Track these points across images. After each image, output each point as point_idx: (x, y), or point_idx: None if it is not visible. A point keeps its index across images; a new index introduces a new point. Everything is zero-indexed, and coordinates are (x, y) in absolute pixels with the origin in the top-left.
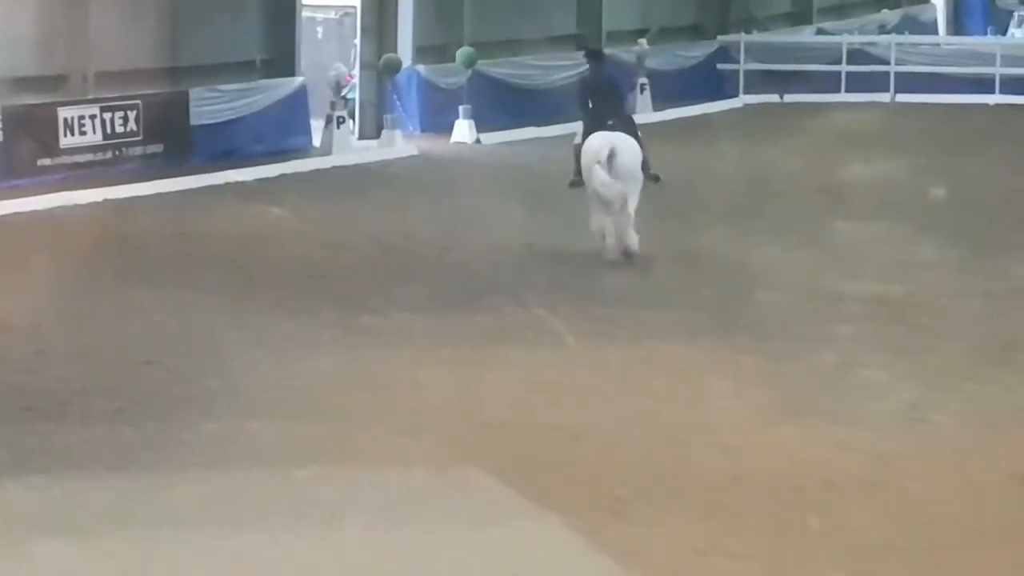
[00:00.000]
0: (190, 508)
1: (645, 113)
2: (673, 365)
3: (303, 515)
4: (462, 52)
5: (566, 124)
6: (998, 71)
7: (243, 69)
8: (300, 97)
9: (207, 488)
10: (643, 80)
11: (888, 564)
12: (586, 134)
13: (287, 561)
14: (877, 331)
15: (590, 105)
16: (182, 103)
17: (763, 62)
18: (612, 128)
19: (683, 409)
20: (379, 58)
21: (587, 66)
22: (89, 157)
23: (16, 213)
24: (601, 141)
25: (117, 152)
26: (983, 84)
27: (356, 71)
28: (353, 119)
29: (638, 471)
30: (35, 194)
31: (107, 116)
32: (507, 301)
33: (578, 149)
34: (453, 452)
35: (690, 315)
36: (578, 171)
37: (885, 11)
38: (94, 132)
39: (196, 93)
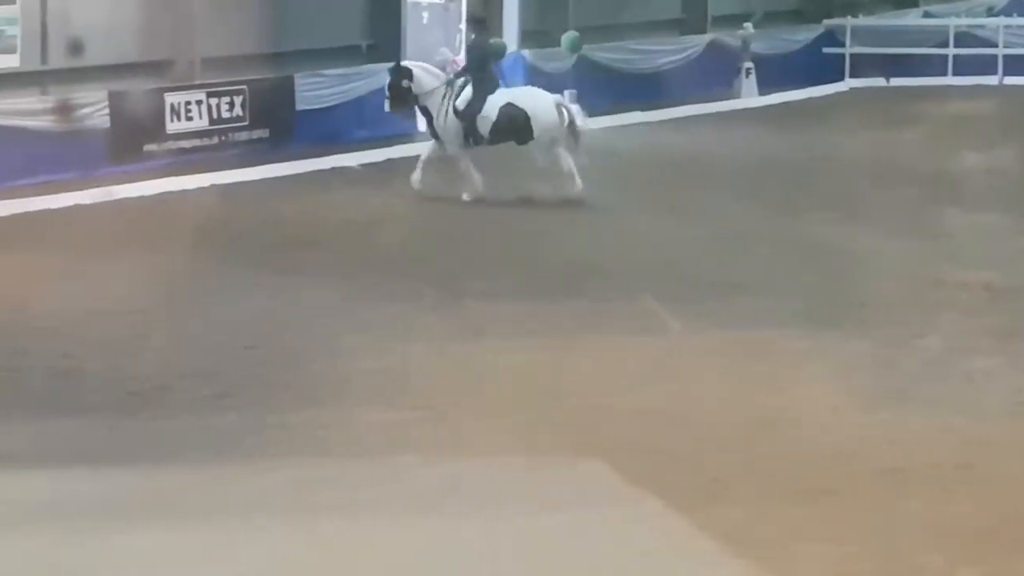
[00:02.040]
0: (291, 493)
1: (751, 97)
2: (773, 349)
3: (403, 501)
4: (567, 37)
5: (671, 108)
6: None
7: (348, 54)
8: None
9: (308, 473)
10: (748, 64)
11: (988, 549)
12: (482, 95)
13: (387, 547)
14: (982, 318)
15: (488, 68)
16: (287, 88)
17: (869, 45)
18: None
19: (783, 393)
20: None
21: (474, 34)
22: (195, 142)
23: (122, 198)
24: (544, 94)
25: (223, 137)
26: None
27: (462, 56)
28: None
29: (737, 454)
30: (141, 179)
31: (213, 101)
32: (608, 286)
33: (473, 110)
34: (553, 437)
35: (792, 300)
36: (470, 132)
37: None
38: (200, 117)
39: (301, 78)
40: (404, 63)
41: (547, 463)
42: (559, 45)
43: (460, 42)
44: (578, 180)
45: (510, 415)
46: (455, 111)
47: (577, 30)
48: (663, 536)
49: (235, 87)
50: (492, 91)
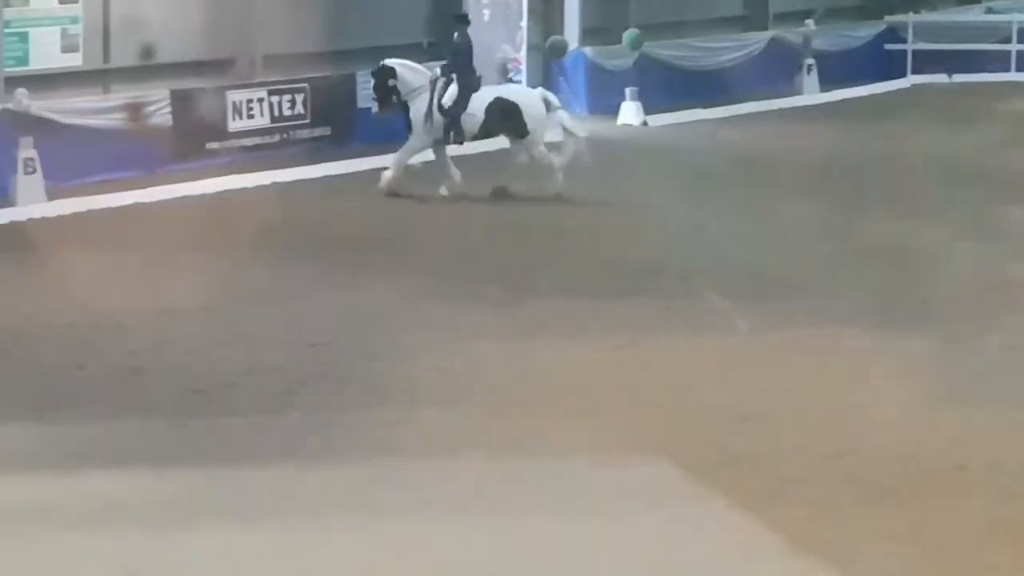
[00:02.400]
0: (355, 492)
1: (812, 94)
2: (837, 348)
3: (468, 499)
4: (628, 34)
5: (733, 105)
6: None
7: (409, 52)
8: None
9: (372, 472)
10: (810, 61)
11: None
12: (467, 93)
13: (450, 546)
14: None
15: (472, 65)
16: (349, 86)
17: (931, 41)
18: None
19: (847, 391)
20: (546, 40)
21: (458, 32)
22: (257, 140)
23: (185, 196)
24: (529, 89)
25: (285, 135)
26: None
27: (523, 53)
28: None
29: (802, 453)
30: (203, 177)
31: (275, 99)
32: (675, 284)
33: (459, 107)
34: (619, 435)
35: (856, 298)
36: (453, 128)
37: None
38: (262, 115)
39: (363, 76)
40: (387, 62)
41: (612, 462)
42: (620, 42)
43: (521, 40)
44: (560, 177)
45: (575, 414)
46: (440, 109)
47: (638, 27)
48: (729, 535)
49: (296, 85)
50: (476, 89)
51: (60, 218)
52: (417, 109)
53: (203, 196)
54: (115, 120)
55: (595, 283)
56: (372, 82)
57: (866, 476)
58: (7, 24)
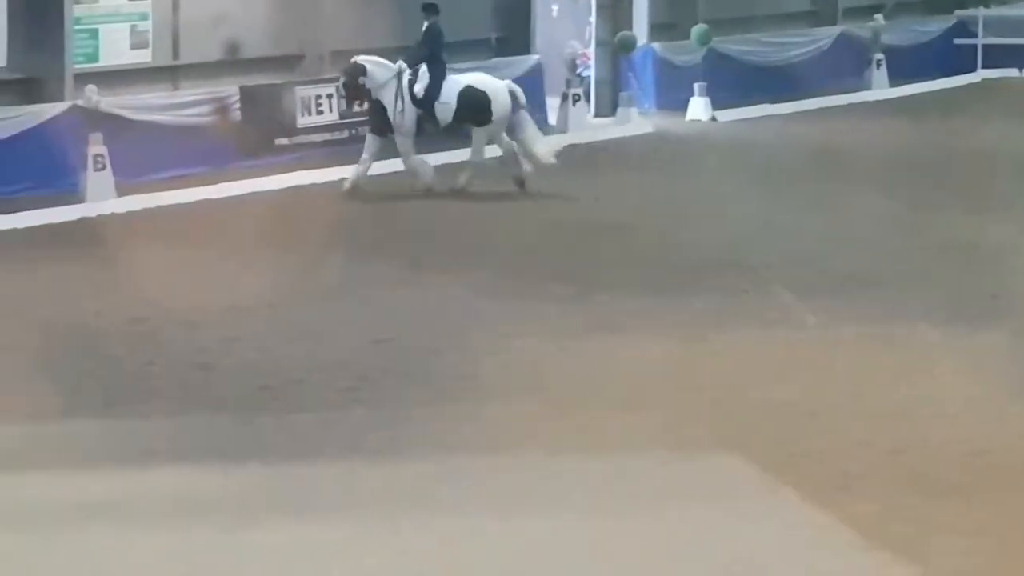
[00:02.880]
0: (420, 487)
1: (881, 89)
2: (906, 342)
3: (532, 494)
4: (697, 29)
5: (802, 101)
6: None
7: (477, 47)
8: (535, 75)
9: (437, 468)
10: (879, 56)
11: None
12: (438, 82)
13: (515, 541)
14: None
15: (441, 54)
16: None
17: (1001, 36)
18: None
19: (916, 386)
20: (614, 36)
21: (430, 22)
22: (325, 136)
23: (252, 192)
24: (495, 79)
25: (353, 131)
26: None
27: (591, 49)
28: (588, 97)
29: (871, 448)
30: (271, 173)
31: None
32: (743, 279)
33: (432, 96)
34: (685, 431)
35: (926, 293)
36: (427, 119)
37: None
38: (330, 111)
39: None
40: (356, 59)
41: (678, 457)
42: (689, 38)
43: (590, 35)
44: (526, 165)
45: (641, 409)
46: (414, 99)
47: (707, 23)
48: (801, 529)
49: None
50: (444, 77)
51: (129, 214)
52: (388, 103)
53: (271, 192)
54: (184, 116)
55: (662, 279)
56: (342, 80)
57: (934, 471)
58: (77, 21)
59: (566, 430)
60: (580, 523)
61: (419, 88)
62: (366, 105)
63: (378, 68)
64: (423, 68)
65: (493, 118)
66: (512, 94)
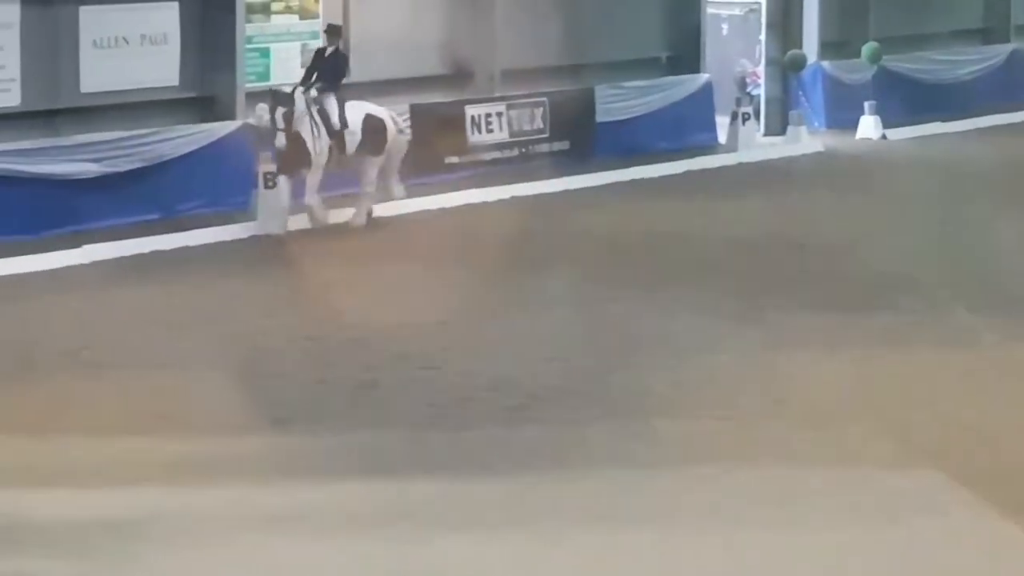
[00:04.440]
0: (591, 503)
1: None
2: None
3: (705, 511)
4: (867, 47)
5: (974, 119)
6: None
7: (648, 66)
8: (705, 94)
9: (608, 484)
10: None
11: None
12: (343, 109)
13: (690, 556)
14: None
15: (341, 81)
16: (588, 100)
17: None
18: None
19: None
20: (784, 54)
21: (334, 46)
22: (496, 154)
23: (424, 210)
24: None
25: (523, 149)
26: None
27: (761, 67)
28: (758, 115)
29: None
30: (442, 191)
31: (513, 113)
32: (917, 298)
33: (344, 123)
34: (859, 448)
35: None
36: (339, 148)
37: None
38: (501, 129)
39: (601, 90)
40: (280, 88)
41: (847, 475)
42: (859, 56)
43: (760, 53)
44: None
45: (814, 426)
46: (330, 129)
47: (877, 40)
48: (1010, 547)
49: (535, 99)
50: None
51: (299, 232)
52: (306, 135)
53: (442, 210)
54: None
55: (835, 297)
56: (282, 111)
57: None
58: (249, 40)
59: (738, 446)
60: (749, 540)
61: (335, 118)
62: (281, 142)
63: (299, 97)
64: (330, 96)
65: (387, 147)
66: (392, 119)
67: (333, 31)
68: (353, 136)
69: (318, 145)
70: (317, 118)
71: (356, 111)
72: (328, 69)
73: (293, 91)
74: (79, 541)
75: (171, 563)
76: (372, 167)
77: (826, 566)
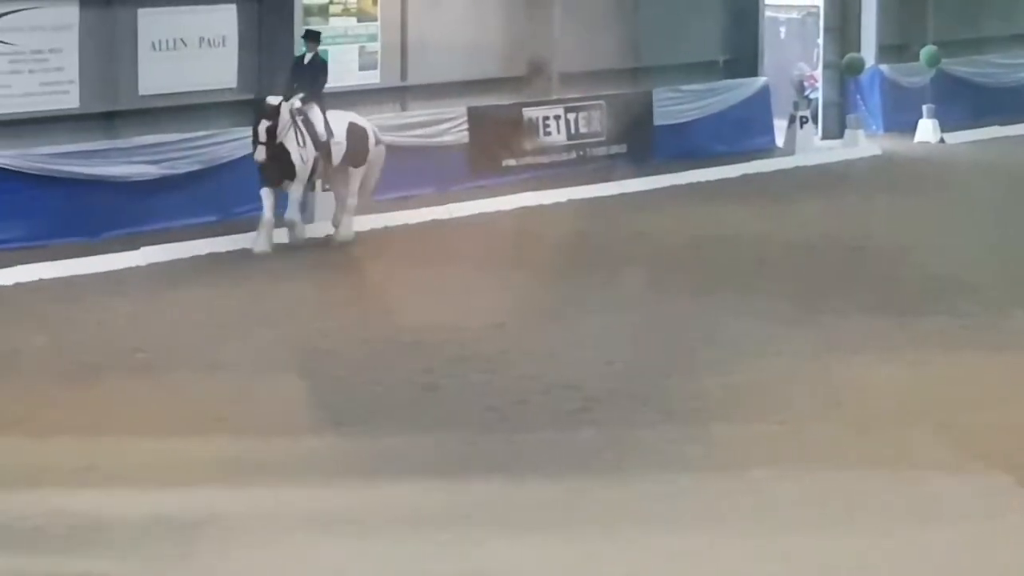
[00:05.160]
0: (647, 506)
1: None
2: None
3: (759, 515)
4: (926, 51)
5: None
6: None
7: (705, 69)
8: (763, 97)
9: (664, 487)
10: None
11: None
12: (327, 118)
13: (743, 561)
14: None
15: (323, 89)
16: (645, 104)
17: None
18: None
19: None
20: (842, 57)
21: (313, 52)
22: (553, 157)
23: (481, 213)
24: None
25: (581, 152)
26: None
27: (819, 71)
28: (816, 119)
29: None
30: (500, 194)
31: (571, 117)
32: (973, 302)
33: (331, 134)
34: (910, 452)
35: None
36: (325, 160)
37: None
38: (558, 132)
39: (659, 93)
40: (271, 100)
41: (901, 478)
42: (917, 59)
43: (817, 57)
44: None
45: (869, 430)
46: (316, 140)
47: (936, 44)
48: None
49: (593, 102)
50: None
51: (357, 234)
52: (291, 147)
53: (499, 213)
54: (413, 137)
55: (892, 301)
56: (267, 124)
57: None
58: None
59: (793, 450)
60: (807, 543)
61: (320, 128)
62: (261, 156)
63: (284, 108)
64: (314, 105)
65: (369, 157)
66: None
67: (311, 36)
68: (339, 146)
69: (304, 156)
70: (302, 128)
71: (340, 120)
72: (307, 77)
73: (278, 104)
74: (136, 541)
75: (227, 563)
76: (355, 178)
77: (883, 570)
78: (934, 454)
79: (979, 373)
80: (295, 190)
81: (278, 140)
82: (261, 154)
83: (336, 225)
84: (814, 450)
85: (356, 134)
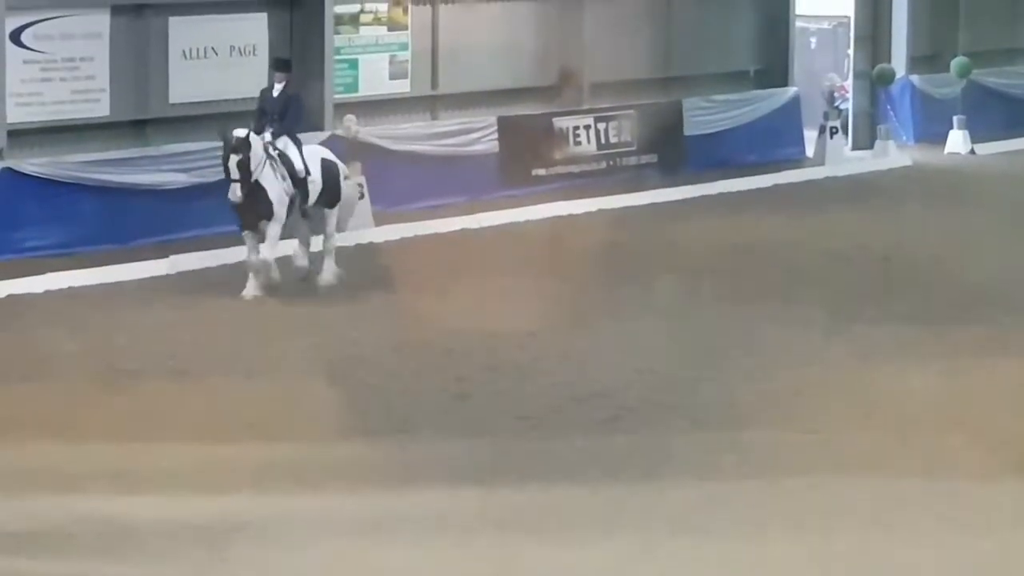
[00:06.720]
0: (679, 514)
1: None
2: None
3: (793, 522)
4: (957, 62)
5: None
6: None
7: (736, 80)
8: (793, 107)
9: (697, 495)
10: None
11: None
12: (302, 153)
13: (776, 569)
14: None
15: (300, 122)
16: (676, 113)
17: None
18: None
19: None
20: (873, 68)
21: (285, 81)
22: (584, 167)
23: (511, 222)
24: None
25: (611, 162)
26: None
27: (849, 81)
28: (846, 129)
29: None
30: (530, 203)
31: (601, 126)
32: (1006, 311)
33: (307, 170)
34: (945, 460)
35: None
36: (301, 199)
37: None
38: (589, 142)
39: (690, 103)
40: (239, 133)
41: (935, 486)
42: (948, 70)
43: (848, 67)
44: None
45: (903, 438)
46: (294, 178)
47: (967, 55)
48: None
49: (623, 112)
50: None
51: (387, 243)
52: (269, 185)
53: (529, 222)
54: (443, 146)
55: (924, 310)
56: (236, 158)
57: None
58: (337, 51)
59: (827, 458)
60: (836, 550)
61: (298, 164)
62: (236, 195)
63: (256, 141)
64: (287, 141)
65: (343, 195)
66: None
67: (280, 66)
68: (315, 185)
69: (284, 191)
70: (279, 164)
71: (313, 157)
72: (276, 111)
73: (246, 136)
74: (169, 547)
75: (260, 569)
76: (331, 218)
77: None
78: (969, 462)
79: (1013, 381)
80: (272, 229)
81: (253, 177)
82: (236, 193)
83: (309, 266)
84: (848, 458)
85: (330, 171)
